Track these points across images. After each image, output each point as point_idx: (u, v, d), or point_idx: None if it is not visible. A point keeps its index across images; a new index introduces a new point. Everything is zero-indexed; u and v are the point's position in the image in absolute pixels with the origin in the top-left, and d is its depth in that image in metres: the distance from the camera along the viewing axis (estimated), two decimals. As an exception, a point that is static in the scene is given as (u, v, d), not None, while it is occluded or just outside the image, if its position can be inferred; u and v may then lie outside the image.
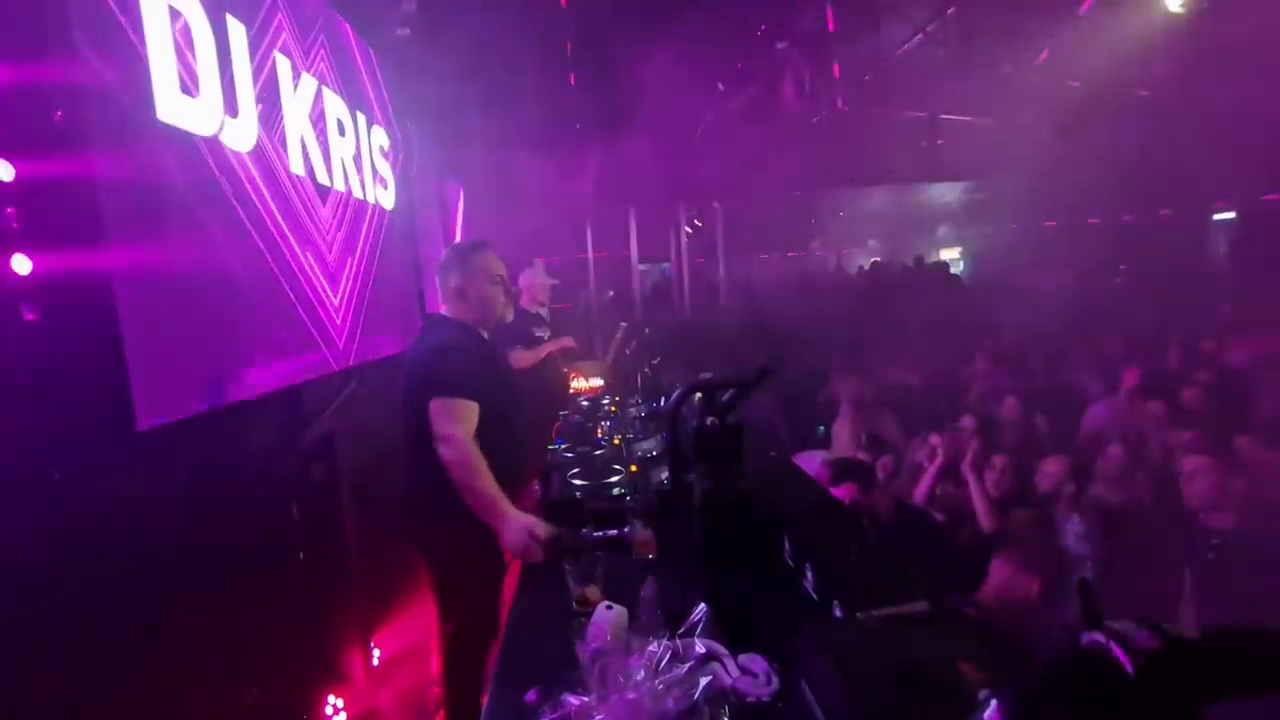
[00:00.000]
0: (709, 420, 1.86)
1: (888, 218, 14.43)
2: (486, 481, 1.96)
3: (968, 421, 3.60)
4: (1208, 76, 6.05)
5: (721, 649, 1.19)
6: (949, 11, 6.65)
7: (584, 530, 1.82)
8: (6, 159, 1.42)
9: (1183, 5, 5.63)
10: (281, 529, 2.57)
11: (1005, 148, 7.28)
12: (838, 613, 1.26)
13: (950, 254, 14.43)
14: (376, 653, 3.21)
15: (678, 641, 1.05)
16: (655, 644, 1.00)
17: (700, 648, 1.05)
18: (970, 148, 7.84)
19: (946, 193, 12.11)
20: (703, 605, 1.16)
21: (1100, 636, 0.57)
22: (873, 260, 11.76)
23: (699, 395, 1.92)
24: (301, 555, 2.65)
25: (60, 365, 1.49)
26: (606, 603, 1.32)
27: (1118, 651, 0.54)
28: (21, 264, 1.42)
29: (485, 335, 2.32)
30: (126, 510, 1.70)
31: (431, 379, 2.07)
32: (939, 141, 8.19)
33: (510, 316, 2.42)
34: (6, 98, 1.44)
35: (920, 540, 2.72)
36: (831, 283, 10.41)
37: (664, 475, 2.26)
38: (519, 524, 1.86)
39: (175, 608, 1.86)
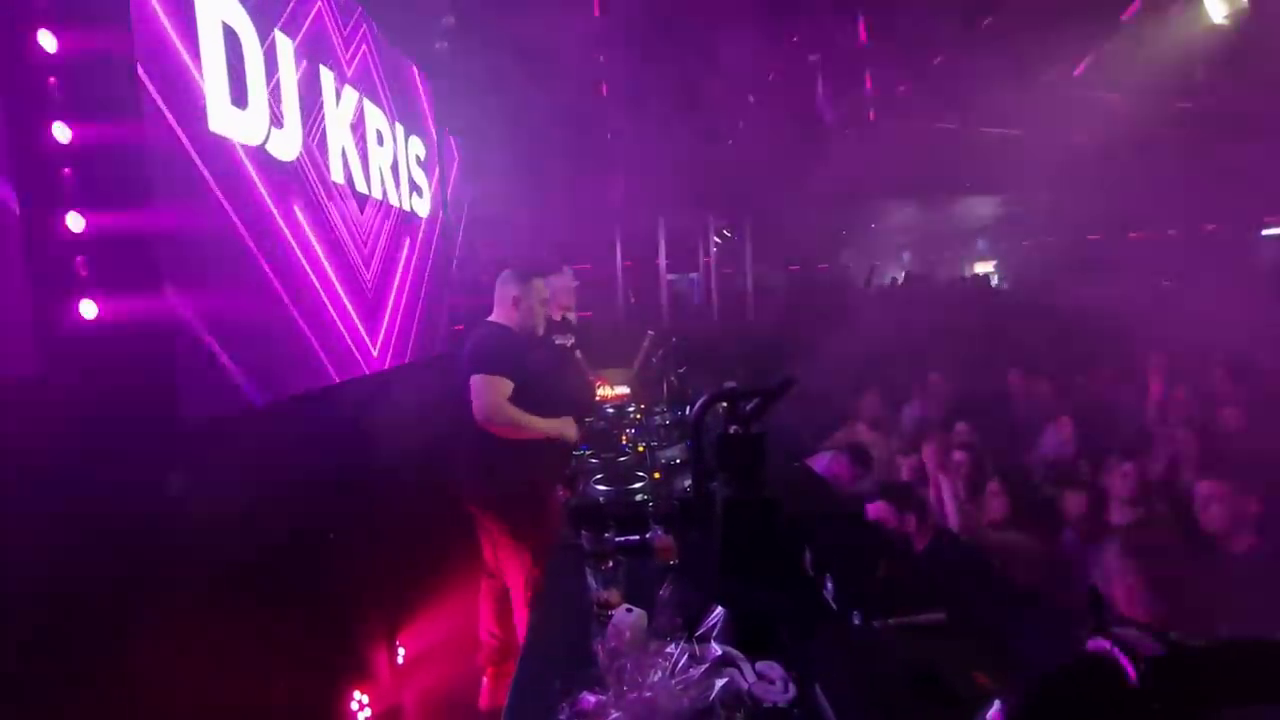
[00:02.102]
0: (732, 429, 1.87)
1: (920, 230, 14.26)
2: (528, 418, 2.63)
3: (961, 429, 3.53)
4: (1253, 88, 5.89)
5: (739, 655, 1.20)
6: (984, 23, 6.58)
7: (606, 535, 1.83)
8: (74, 163, 1.51)
9: (1226, 16, 5.50)
10: (313, 527, 2.64)
11: (1042, 160, 7.16)
12: (856, 622, 1.26)
13: (985, 267, 14.19)
14: (401, 651, 3.27)
15: (695, 644, 1.06)
16: (673, 646, 1.02)
17: (717, 650, 1.06)
18: (1006, 160, 7.73)
19: (981, 205, 11.92)
20: (719, 609, 1.17)
21: (1105, 642, 0.57)
22: (905, 273, 11.61)
23: (723, 404, 1.93)
24: (331, 554, 2.71)
25: (114, 362, 1.57)
26: (627, 606, 1.34)
27: (1122, 658, 0.54)
28: (82, 265, 1.51)
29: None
30: (167, 504, 1.77)
31: (478, 360, 2.62)
32: (974, 153, 8.10)
33: (542, 332, 2.87)
34: (76, 107, 1.53)
35: (955, 573, 2.65)
36: (862, 295, 10.30)
37: (687, 483, 2.27)
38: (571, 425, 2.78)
39: (210, 599, 1.92)
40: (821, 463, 4.00)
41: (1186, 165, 6.65)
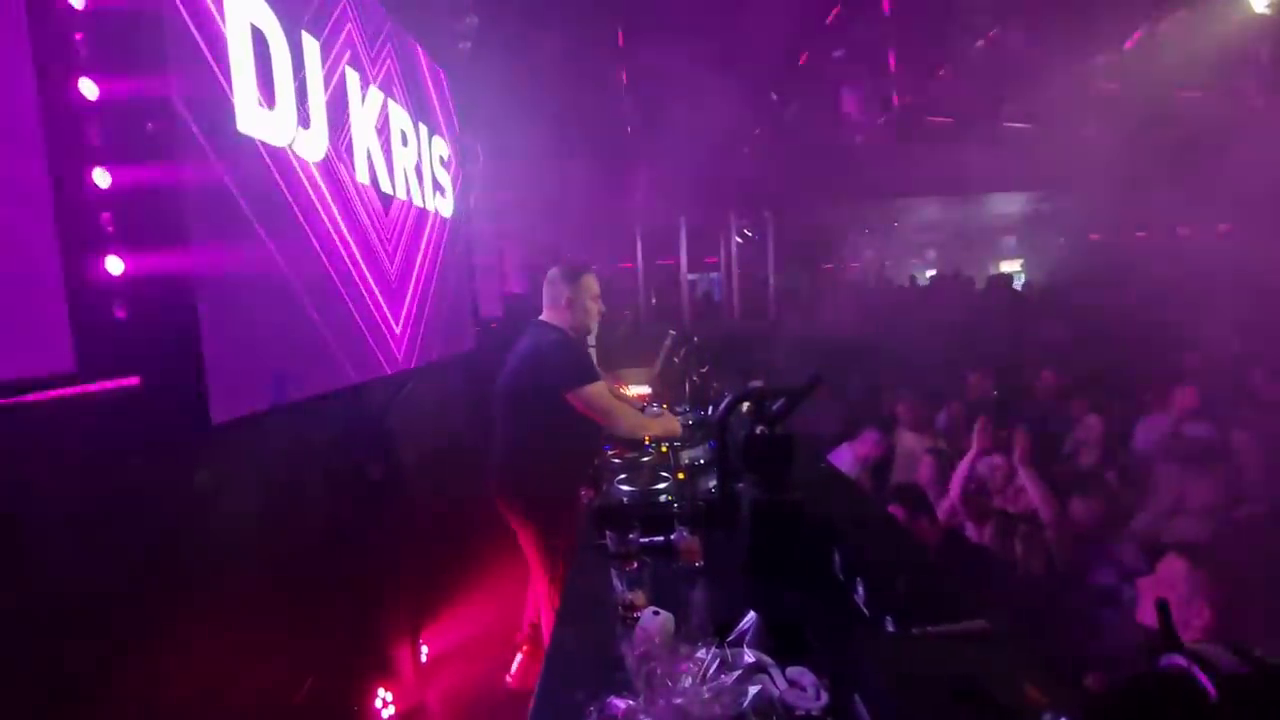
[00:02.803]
0: (758, 429, 1.84)
1: (945, 228, 14.04)
2: (640, 419, 2.75)
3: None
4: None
5: (769, 660, 1.18)
6: (1012, 20, 6.46)
7: (631, 536, 1.82)
8: (104, 167, 1.53)
9: (1270, 5, 5.32)
10: (338, 525, 2.66)
11: (1072, 157, 7.01)
12: (890, 629, 1.23)
13: (1012, 266, 13.95)
14: (425, 650, 3.28)
15: (726, 649, 1.04)
16: (703, 650, 0.99)
17: (749, 657, 1.04)
18: (1035, 157, 7.57)
19: (1008, 203, 11.70)
20: (752, 614, 1.15)
21: (1181, 660, 0.53)
22: (929, 273, 11.43)
23: (748, 404, 1.91)
24: (356, 550, 2.73)
25: (145, 361, 1.59)
26: (654, 608, 1.32)
27: (1201, 675, 0.51)
28: (114, 265, 1.52)
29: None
30: (195, 501, 1.79)
31: (569, 372, 2.62)
32: (1000, 151, 7.95)
33: (595, 329, 2.90)
34: (105, 111, 1.54)
35: (971, 573, 2.61)
36: (883, 295, 10.16)
37: (711, 483, 2.25)
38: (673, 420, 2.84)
39: (240, 595, 1.94)
40: (844, 455, 3.95)
41: (1230, 160, 6.46)
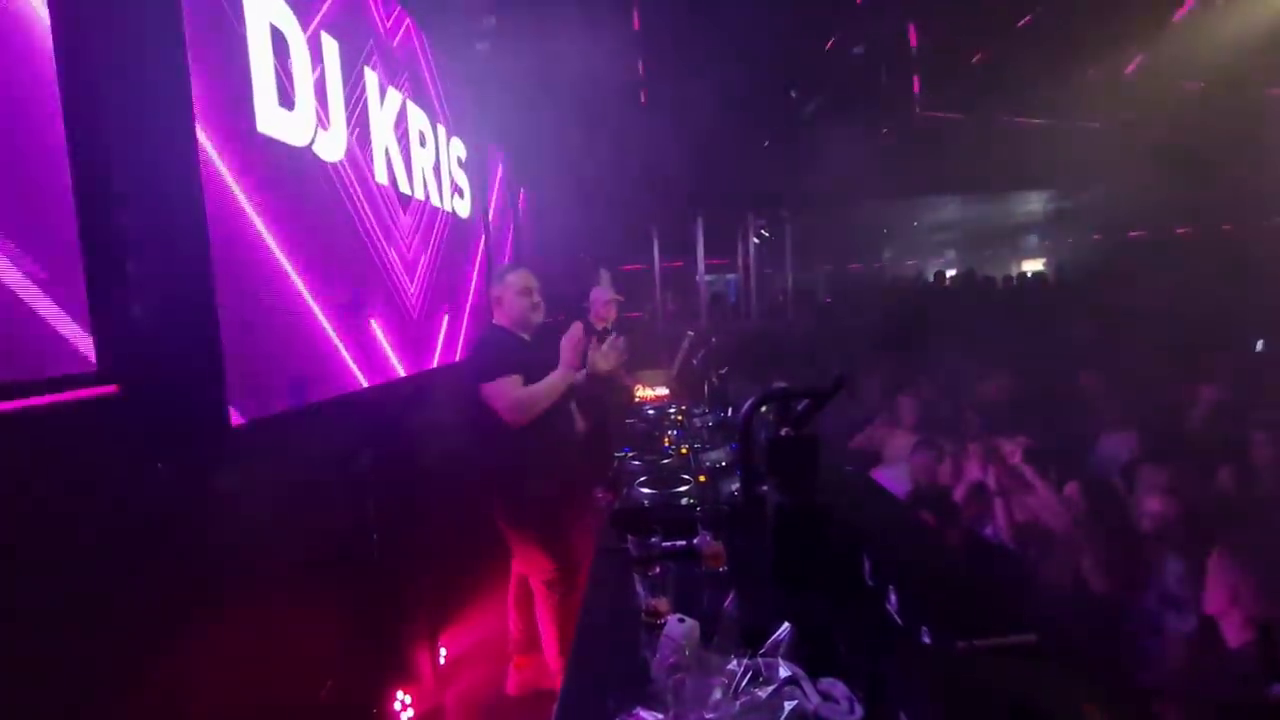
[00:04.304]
0: (783, 431, 1.80)
1: (965, 227, 13.86)
2: (539, 392, 2.64)
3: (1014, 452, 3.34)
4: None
5: (801, 672, 1.13)
6: (1034, 14, 6.34)
7: (652, 540, 1.78)
8: (120, 167, 1.52)
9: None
10: (357, 527, 2.65)
11: (1096, 155, 6.86)
12: (926, 639, 1.18)
13: (1035, 265, 13.73)
14: (444, 652, 3.27)
15: (760, 661, 1.00)
16: (734, 662, 0.95)
17: (784, 670, 1.00)
18: (1057, 155, 7.43)
19: (1031, 201, 11.51)
20: (786, 625, 1.10)
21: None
22: (938, 272, 11.24)
23: (772, 405, 1.86)
24: (374, 553, 2.72)
25: (164, 362, 1.58)
26: (678, 615, 1.28)
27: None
28: (134, 266, 1.51)
29: (526, 338, 2.85)
30: (219, 501, 1.78)
31: (475, 371, 2.68)
32: (1021, 149, 7.81)
33: (539, 320, 2.87)
34: (123, 110, 1.54)
35: (996, 574, 2.54)
36: (905, 293, 10.02)
37: (734, 486, 2.21)
38: (568, 369, 2.73)
39: (259, 597, 1.93)
40: (888, 474, 3.83)
41: (1248, 160, 6.30)
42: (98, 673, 1.42)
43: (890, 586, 1.40)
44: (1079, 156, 7.28)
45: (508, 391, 2.59)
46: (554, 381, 2.69)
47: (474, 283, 4.16)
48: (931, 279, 10.67)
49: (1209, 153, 6.23)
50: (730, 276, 10.06)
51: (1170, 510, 2.67)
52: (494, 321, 2.88)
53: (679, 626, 1.22)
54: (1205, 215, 8.02)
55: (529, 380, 2.65)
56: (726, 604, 1.24)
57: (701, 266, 9.04)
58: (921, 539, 1.85)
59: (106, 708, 1.45)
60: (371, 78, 2.81)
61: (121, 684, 1.47)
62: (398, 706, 2.79)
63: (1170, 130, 6.50)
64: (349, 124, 2.55)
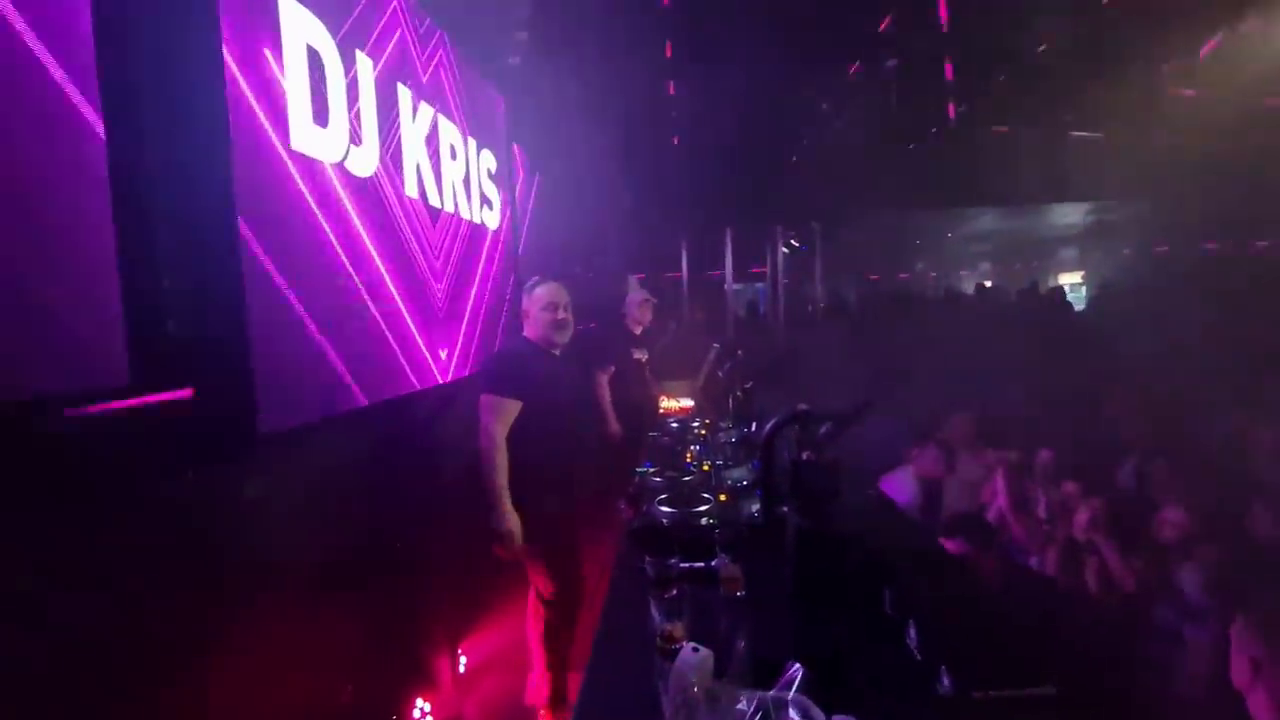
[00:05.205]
0: (805, 454, 1.78)
1: (1000, 239, 13.58)
2: (498, 475, 2.49)
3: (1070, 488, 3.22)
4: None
5: (812, 706, 1.11)
6: (1078, 24, 6.20)
7: (671, 561, 1.77)
8: (159, 182, 1.57)
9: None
10: (380, 535, 2.68)
11: (1138, 167, 6.66)
12: (945, 680, 1.15)
13: (1072, 279, 13.39)
14: (464, 661, 3.29)
15: (769, 699, 0.98)
16: (744, 701, 0.94)
17: (794, 714, 0.98)
18: (1098, 167, 7.23)
19: (1069, 214, 11.22)
20: (798, 666, 1.08)
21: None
22: (977, 284, 11.00)
23: (794, 426, 1.84)
24: (397, 561, 2.75)
25: (197, 374, 1.62)
26: (693, 645, 1.26)
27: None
28: (168, 279, 1.56)
29: (555, 353, 2.79)
30: (244, 509, 1.82)
31: (482, 378, 2.66)
32: (1060, 160, 7.62)
33: (564, 340, 2.80)
34: (163, 123, 1.58)
35: (1036, 611, 2.44)
36: (935, 307, 9.83)
37: (755, 507, 2.19)
38: (506, 523, 2.49)
39: (283, 602, 1.97)
40: (897, 480, 3.78)
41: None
42: (125, 673, 1.46)
43: (910, 620, 1.37)
44: (1123, 170, 7.09)
45: (494, 417, 2.52)
46: (498, 504, 2.50)
47: (506, 294, 4.20)
48: (972, 290, 10.43)
49: (1262, 169, 6.01)
50: (760, 285, 9.99)
51: (1191, 521, 2.57)
52: (523, 334, 2.84)
53: (692, 657, 1.21)
54: (1243, 231, 7.74)
55: (535, 401, 2.58)
56: (735, 630, 1.22)
57: (730, 276, 9.01)
58: (947, 572, 1.80)
59: (133, 707, 1.49)
60: (405, 93, 2.86)
61: (148, 684, 1.51)
62: (417, 713, 2.81)
63: (1219, 145, 6.29)
64: (381, 139, 2.60)
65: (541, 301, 2.74)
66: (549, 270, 5.43)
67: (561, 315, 2.75)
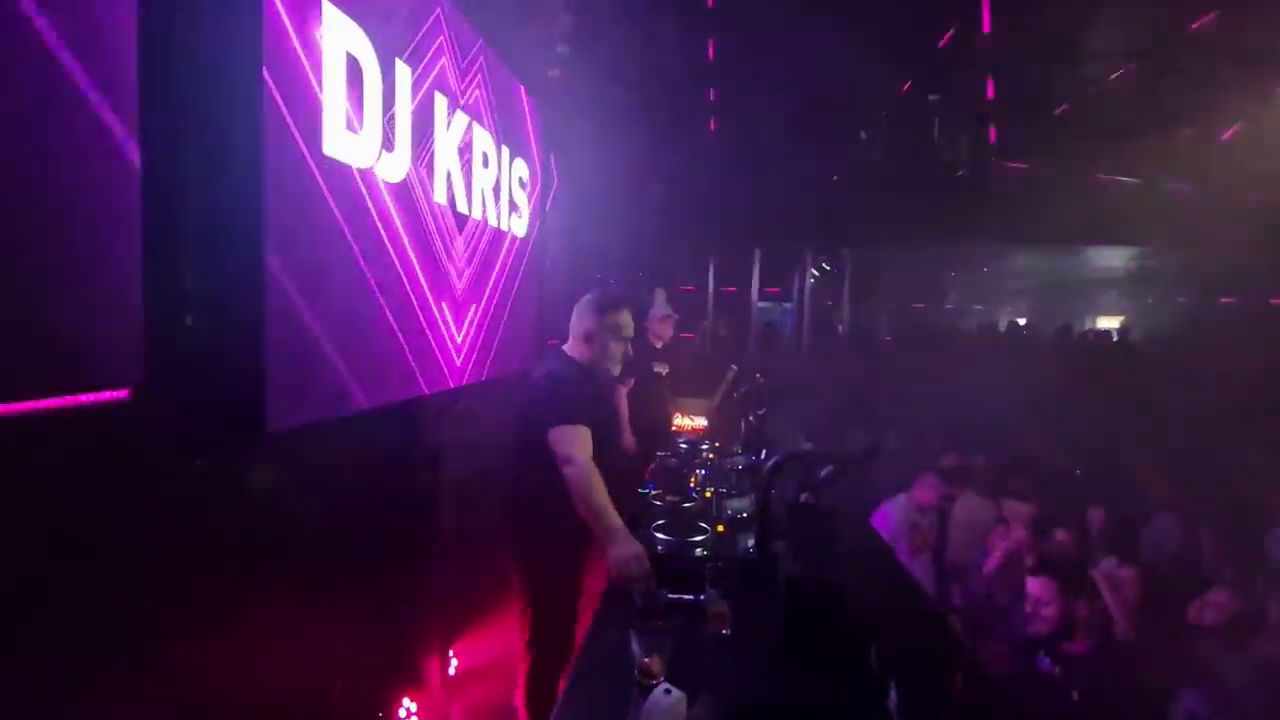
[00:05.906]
0: (803, 497, 1.76)
1: (1038, 277, 13.32)
2: (603, 497, 2.14)
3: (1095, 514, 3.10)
4: None
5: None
6: (1122, 70, 6.08)
7: (659, 591, 1.76)
8: (194, 181, 1.61)
9: None
10: (378, 534, 2.71)
11: (1180, 215, 6.50)
12: (919, 749, 1.12)
13: (1110, 323, 13.06)
14: (454, 662, 3.30)
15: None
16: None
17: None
18: (1138, 212, 7.07)
19: (1110, 256, 10.96)
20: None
21: None
22: (1009, 321, 10.77)
23: (795, 466, 1.83)
24: (394, 560, 2.78)
25: (208, 372, 1.66)
26: (666, 685, 1.25)
27: None
28: (187, 273, 1.60)
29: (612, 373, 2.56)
30: (248, 506, 1.86)
31: (550, 408, 2.29)
32: (1101, 204, 7.46)
33: (618, 370, 2.57)
34: (199, 125, 1.63)
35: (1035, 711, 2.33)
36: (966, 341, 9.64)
37: (750, 542, 2.17)
38: (630, 545, 1.97)
39: (279, 597, 2.00)
40: (888, 514, 3.69)
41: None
42: (120, 668, 1.49)
43: (891, 682, 1.34)
44: (1167, 216, 6.92)
45: (575, 447, 2.21)
46: (612, 524, 2.10)
47: (532, 303, 4.23)
48: (1003, 329, 10.23)
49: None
50: (787, 305, 9.92)
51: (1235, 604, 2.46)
52: (566, 350, 2.52)
53: (664, 699, 1.20)
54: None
55: (595, 426, 2.31)
56: (714, 673, 1.20)
57: (755, 295, 8.97)
58: (933, 633, 1.76)
59: (124, 699, 1.52)
60: (441, 101, 2.91)
61: (138, 678, 1.54)
62: (403, 713, 2.83)
63: (1268, 196, 6.12)
64: (413, 145, 2.64)
65: (616, 331, 2.47)
66: (581, 280, 5.47)
67: (629, 349, 2.55)
